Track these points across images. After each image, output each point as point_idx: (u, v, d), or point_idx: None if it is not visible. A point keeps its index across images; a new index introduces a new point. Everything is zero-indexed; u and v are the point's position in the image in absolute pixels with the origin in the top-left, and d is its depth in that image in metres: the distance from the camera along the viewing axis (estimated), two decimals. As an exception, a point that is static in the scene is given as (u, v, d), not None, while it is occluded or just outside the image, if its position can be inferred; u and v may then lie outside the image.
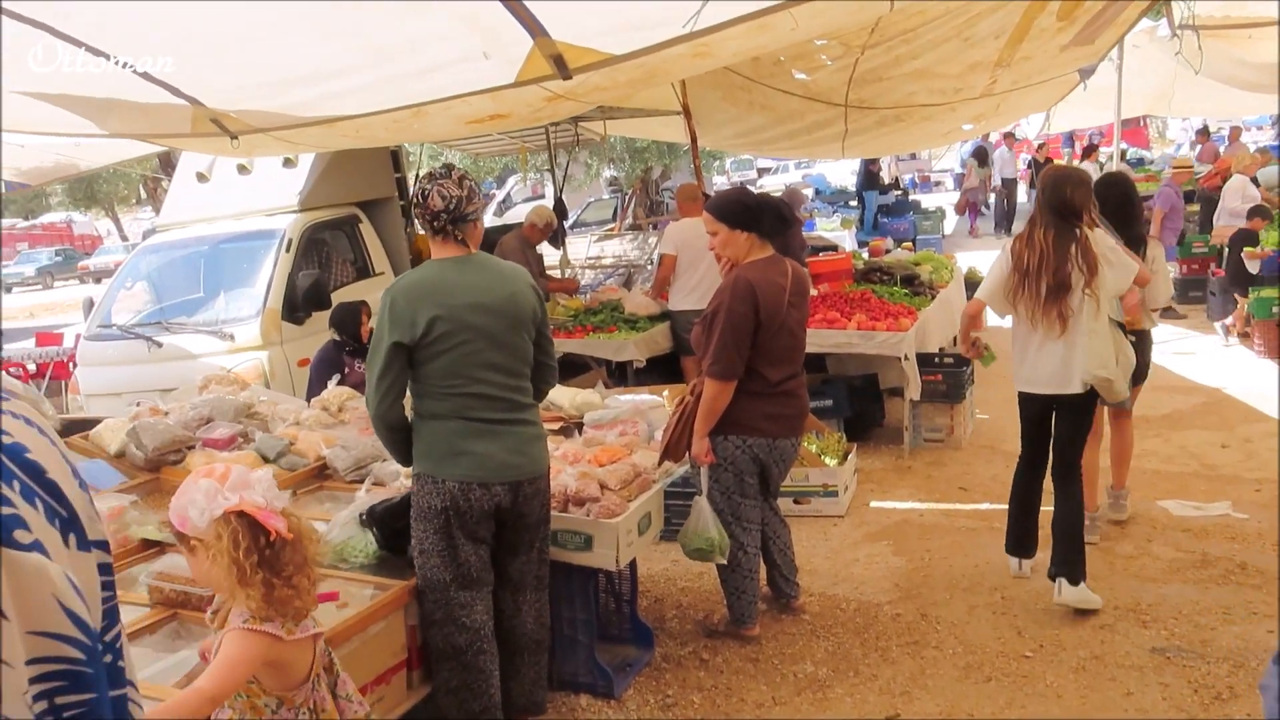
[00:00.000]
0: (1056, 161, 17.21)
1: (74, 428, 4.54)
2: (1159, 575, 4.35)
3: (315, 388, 5.26)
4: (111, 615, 1.00)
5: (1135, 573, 4.39)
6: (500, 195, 24.17)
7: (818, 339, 6.00)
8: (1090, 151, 17.98)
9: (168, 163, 13.20)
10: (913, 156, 27.85)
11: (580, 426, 4.45)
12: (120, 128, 4.63)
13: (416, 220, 3.24)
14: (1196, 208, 12.69)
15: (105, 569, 0.99)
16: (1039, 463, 4.29)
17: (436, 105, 4.25)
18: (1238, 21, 8.35)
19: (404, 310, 3.06)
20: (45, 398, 5.90)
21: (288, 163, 7.33)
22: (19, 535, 0.83)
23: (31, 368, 9.55)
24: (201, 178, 7.66)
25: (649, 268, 10.83)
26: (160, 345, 6.63)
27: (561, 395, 4.66)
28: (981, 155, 18.80)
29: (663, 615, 4.34)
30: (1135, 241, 4.49)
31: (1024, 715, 3.40)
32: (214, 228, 7.52)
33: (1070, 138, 24.38)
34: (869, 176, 17.39)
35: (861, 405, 6.60)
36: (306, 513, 3.61)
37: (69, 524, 0.93)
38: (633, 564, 3.92)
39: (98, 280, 28.54)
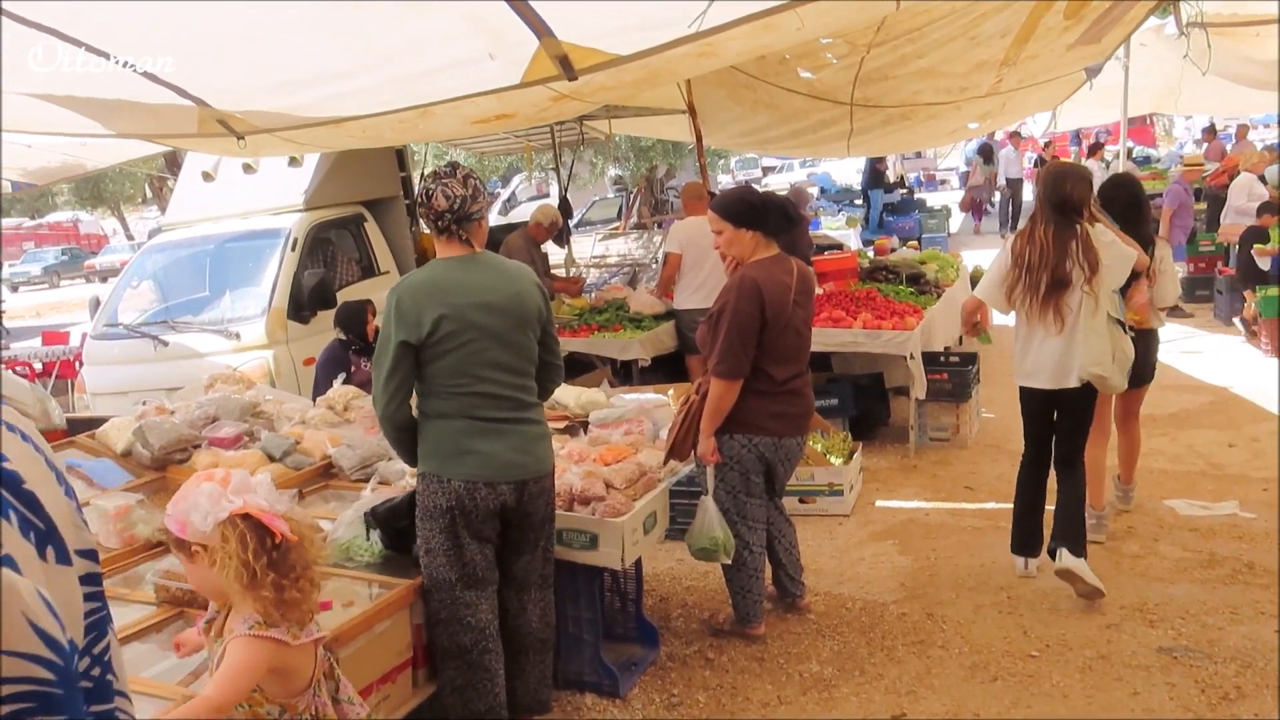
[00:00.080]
0: (1062, 160, 17.17)
1: (80, 426, 4.56)
2: (1166, 575, 4.34)
3: (321, 386, 5.27)
4: (99, 627, 0.96)
5: (1142, 572, 4.38)
6: (505, 194, 24.21)
7: (823, 338, 5.99)
8: (1096, 149, 17.95)
9: (173, 162, 13.23)
10: (918, 155, 27.79)
11: (585, 425, 4.45)
12: (127, 128, 4.64)
13: (421, 219, 3.24)
14: (1204, 206, 12.66)
15: (91, 579, 0.96)
16: (1042, 461, 4.35)
17: (443, 105, 4.25)
18: (1245, 19, 8.32)
19: (410, 310, 3.06)
20: (51, 396, 5.90)
21: (293, 162, 7.34)
22: None
23: (38, 366, 9.59)
24: (207, 177, 7.68)
25: (654, 266, 10.82)
26: (166, 344, 6.65)
27: (567, 394, 4.66)
28: (987, 153, 18.78)
29: (668, 614, 4.34)
30: (1143, 242, 4.52)
31: (1030, 715, 3.39)
32: (219, 227, 7.53)
33: (1077, 136, 24.33)
34: (874, 175, 17.35)
35: (867, 404, 6.59)
36: (312, 512, 3.62)
37: (46, 536, 0.90)
38: (638, 563, 3.92)
39: (104, 279, 28.64)
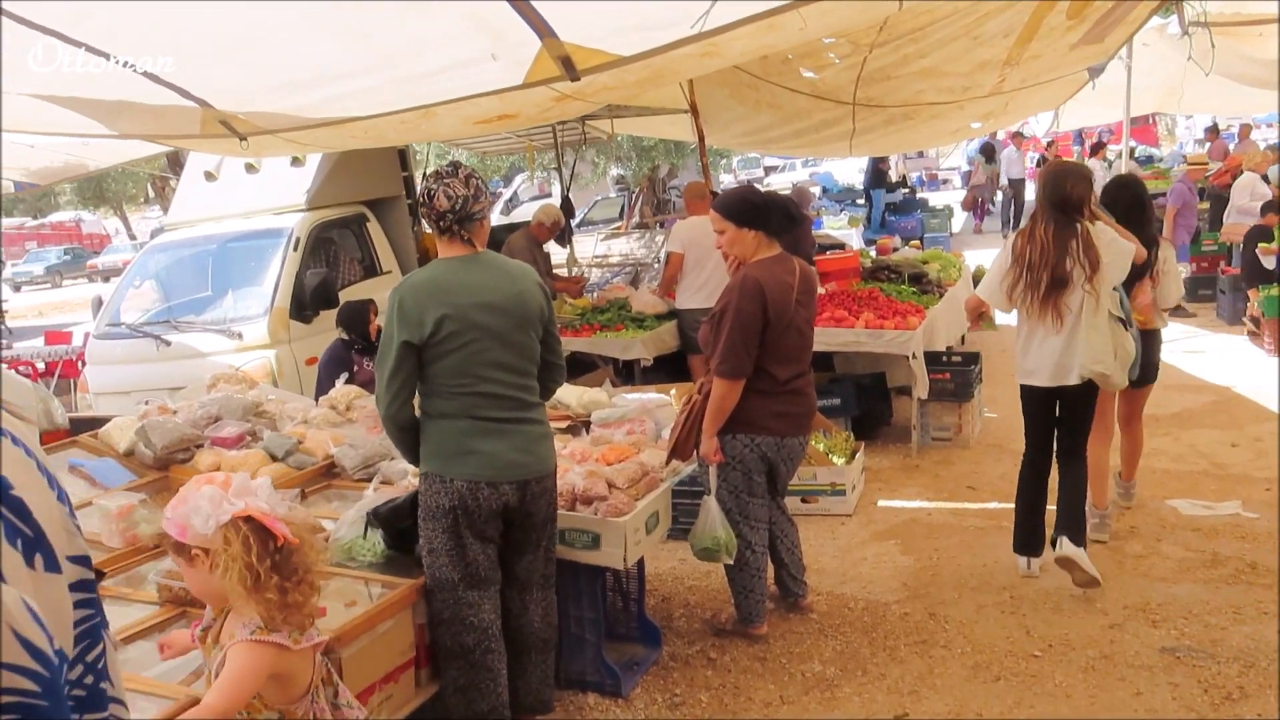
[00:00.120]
0: (1062, 159, 17.15)
1: (83, 426, 4.56)
2: (1169, 575, 4.33)
3: (323, 386, 5.27)
4: (93, 634, 0.94)
5: (1145, 572, 4.37)
6: (507, 193, 24.23)
7: (825, 337, 5.99)
8: (1098, 149, 17.94)
9: (176, 162, 13.24)
10: (920, 154, 27.77)
11: (588, 425, 4.45)
12: (130, 129, 4.64)
13: (423, 219, 3.24)
14: (1206, 205, 12.65)
15: (84, 585, 0.94)
16: (1044, 459, 4.37)
17: (445, 106, 4.25)
18: (1248, 18, 8.31)
19: (412, 310, 3.06)
20: (54, 396, 5.91)
21: (295, 161, 7.34)
22: None
23: (41, 366, 9.61)
24: (209, 177, 7.69)
25: (656, 266, 10.84)
26: (169, 344, 6.65)
27: (569, 394, 4.66)
28: (989, 151, 18.78)
29: (670, 614, 4.34)
30: (1146, 243, 4.54)
31: (1033, 715, 3.39)
32: (222, 226, 7.54)
33: (1079, 135, 24.32)
34: (877, 174, 17.35)
35: (869, 404, 6.59)
36: (315, 511, 3.63)
37: (34, 544, 0.88)
38: (640, 563, 3.92)
39: (106, 279, 28.67)
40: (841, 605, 4.29)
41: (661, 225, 14.46)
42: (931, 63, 6.62)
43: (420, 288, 3.11)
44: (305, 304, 6.67)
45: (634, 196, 19.56)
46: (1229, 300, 9.63)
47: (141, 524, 3.38)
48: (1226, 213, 10.84)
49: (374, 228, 7.82)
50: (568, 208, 10.48)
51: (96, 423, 4.53)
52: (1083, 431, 4.30)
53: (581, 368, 6.84)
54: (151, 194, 28.08)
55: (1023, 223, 4.33)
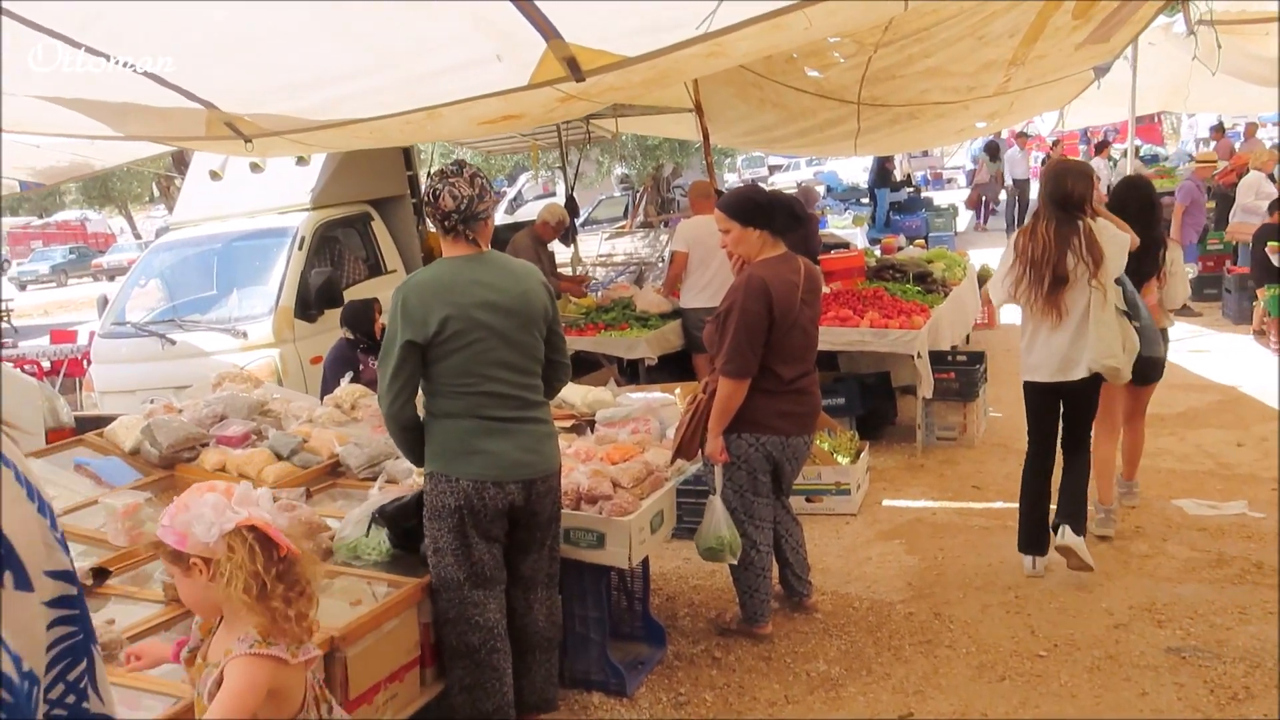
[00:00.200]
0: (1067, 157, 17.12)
1: (88, 425, 4.58)
2: (1174, 575, 4.33)
3: (328, 385, 5.28)
4: (75, 652, 0.90)
5: (1150, 572, 4.37)
6: (511, 193, 24.22)
7: (830, 337, 5.98)
8: (1102, 148, 17.89)
9: (181, 161, 13.24)
10: (925, 153, 27.77)
11: (592, 424, 4.45)
12: (136, 131, 4.65)
13: (428, 219, 3.24)
14: (1212, 204, 12.62)
15: (64, 602, 0.90)
16: (1047, 458, 4.39)
17: (450, 107, 4.25)
18: (1254, 17, 8.29)
19: (416, 309, 3.06)
20: (60, 395, 5.93)
21: (300, 161, 7.35)
22: None
23: (46, 365, 9.63)
24: (215, 176, 7.69)
25: (660, 265, 10.84)
26: (174, 343, 6.67)
27: (573, 393, 4.66)
28: (993, 150, 18.76)
29: (675, 613, 4.34)
30: (1154, 244, 4.55)
31: (1038, 715, 3.38)
32: (227, 225, 7.56)
33: (1085, 134, 24.26)
34: (881, 173, 17.34)
35: (874, 403, 6.58)
36: (320, 510, 3.63)
37: (3, 561, 0.84)
38: (645, 562, 3.92)
39: (111, 278, 28.70)
40: (846, 605, 4.29)
41: (666, 224, 14.47)
42: (936, 62, 6.61)
43: (424, 287, 3.11)
44: (310, 303, 6.68)
45: (638, 196, 19.55)
46: (1235, 299, 9.61)
47: (147, 523, 3.38)
48: (1232, 211, 10.81)
49: (379, 227, 7.84)
50: (572, 207, 10.49)
51: (102, 421, 4.55)
52: (1086, 425, 4.33)
53: (586, 367, 6.84)
54: (156, 193, 28.14)
55: (1026, 221, 4.35)
